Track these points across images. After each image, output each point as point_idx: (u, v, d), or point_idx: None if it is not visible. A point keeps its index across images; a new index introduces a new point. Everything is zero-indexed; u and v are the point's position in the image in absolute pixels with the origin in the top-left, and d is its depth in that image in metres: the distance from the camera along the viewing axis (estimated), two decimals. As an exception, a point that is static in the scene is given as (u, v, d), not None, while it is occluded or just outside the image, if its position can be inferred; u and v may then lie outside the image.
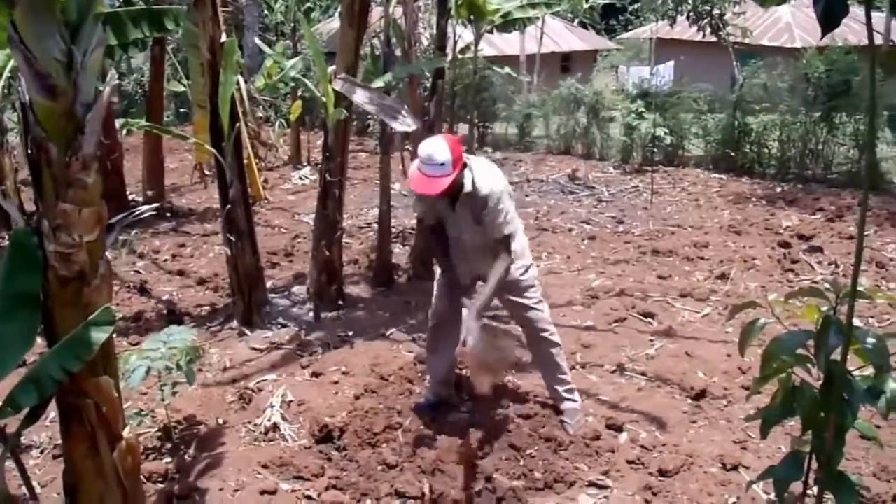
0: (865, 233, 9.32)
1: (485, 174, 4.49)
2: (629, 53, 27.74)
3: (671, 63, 18.74)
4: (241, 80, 10.43)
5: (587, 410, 5.19)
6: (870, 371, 2.46)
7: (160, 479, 4.49)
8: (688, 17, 17.56)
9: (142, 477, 4.13)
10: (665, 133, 14.26)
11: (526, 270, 4.83)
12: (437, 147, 4.27)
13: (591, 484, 4.44)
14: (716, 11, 17.18)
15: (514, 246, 4.62)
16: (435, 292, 5.03)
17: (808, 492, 2.76)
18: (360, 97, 6.59)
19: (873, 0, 1.85)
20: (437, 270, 5.04)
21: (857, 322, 2.37)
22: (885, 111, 12.66)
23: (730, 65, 17.93)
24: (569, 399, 5.01)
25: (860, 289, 2.29)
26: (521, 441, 4.73)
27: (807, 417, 2.43)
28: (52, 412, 3.61)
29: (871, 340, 2.33)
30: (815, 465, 2.53)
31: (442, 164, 4.24)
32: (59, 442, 3.36)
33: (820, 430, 2.41)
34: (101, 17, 2.96)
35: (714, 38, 17.72)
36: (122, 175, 10.77)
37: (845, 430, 2.34)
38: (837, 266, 8.36)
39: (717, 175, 13.76)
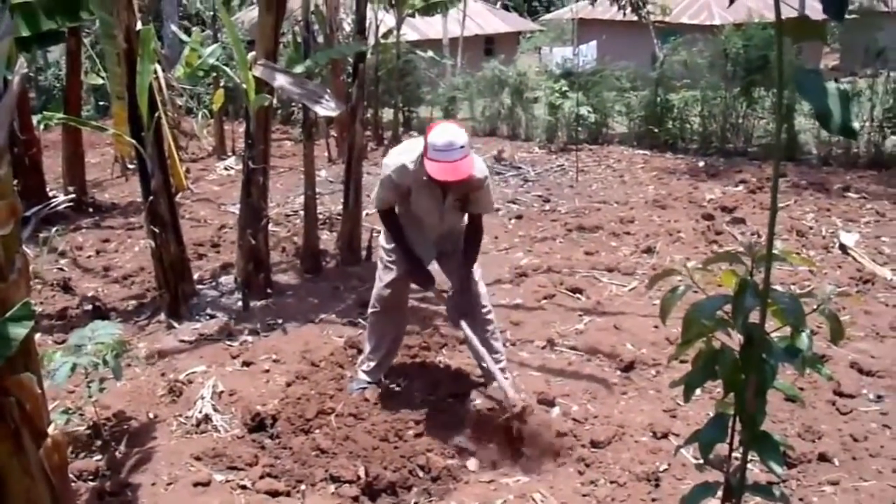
0: (785, 203, 9.57)
1: (476, 158, 4.56)
2: (552, 34, 28.02)
3: (593, 43, 18.92)
4: (160, 68, 10.24)
5: (518, 387, 5.23)
6: (787, 331, 2.52)
7: (91, 477, 4.40)
8: (608, -3, 17.73)
9: (72, 475, 4.08)
10: (589, 112, 14.40)
11: None
12: (454, 132, 4.32)
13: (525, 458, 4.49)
14: (635, -9, 17.38)
15: None
16: (381, 279, 5.03)
17: (735, 453, 2.82)
18: (281, 82, 6.55)
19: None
20: (383, 257, 5.04)
21: (778, 288, 2.42)
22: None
23: (650, 43, 18.18)
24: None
25: (775, 252, 2.34)
26: (454, 420, 4.75)
27: (728, 379, 2.47)
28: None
29: (786, 301, 2.38)
30: (739, 427, 2.58)
31: (462, 147, 4.29)
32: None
33: (742, 391, 2.45)
34: (8, 4, 2.88)
35: (634, 17, 17.92)
36: (42, 171, 10.49)
37: (766, 389, 2.38)
38: (760, 236, 8.53)
39: (641, 151, 13.97)
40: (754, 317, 2.36)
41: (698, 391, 2.69)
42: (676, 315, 2.63)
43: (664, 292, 2.62)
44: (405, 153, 4.62)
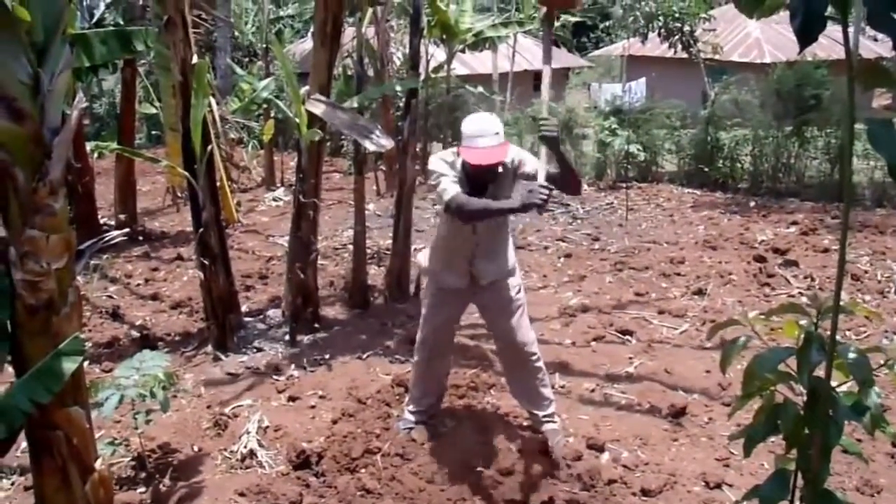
0: (839, 246, 9.39)
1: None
2: (601, 71, 27.99)
3: (643, 80, 18.87)
4: (214, 101, 10.35)
5: (567, 431, 5.14)
6: (851, 386, 2.44)
7: (135, 511, 4.40)
8: (659, 34, 17.67)
9: (116, 508, 4.06)
10: (638, 149, 14.33)
11: (519, 290, 4.83)
12: (484, 119, 4.31)
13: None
14: (686, 28, 17.31)
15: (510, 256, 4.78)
16: (427, 321, 4.94)
17: (794, 510, 2.73)
18: (333, 117, 6.56)
19: (849, 14, 1.82)
20: (428, 297, 4.93)
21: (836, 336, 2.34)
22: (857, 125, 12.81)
23: (701, 81, 18.05)
24: (549, 421, 4.95)
25: (841, 304, 2.27)
26: (502, 463, 4.68)
27: (791, 435, 2.40)
28: (23, 441, 3.53)
29: (853, 355, 2.30)
30: (800, 483, 2.50)
31: (497, 134, 4.25)
32: (31, 473, 3.28)
33: (805, 447, 2.38)
34: (69, 38, 2.90)
35: (685, 55, 17.85)
36: (94, 199, 10.65)
37: (831, 447, 2.31)
38: (813, 279, 8.37)
39: (690, 190, 13.84)
40: (819, 370, 2.29)
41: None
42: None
43: (718, 337, 2.55)
44: (444, 154, 4.57)
